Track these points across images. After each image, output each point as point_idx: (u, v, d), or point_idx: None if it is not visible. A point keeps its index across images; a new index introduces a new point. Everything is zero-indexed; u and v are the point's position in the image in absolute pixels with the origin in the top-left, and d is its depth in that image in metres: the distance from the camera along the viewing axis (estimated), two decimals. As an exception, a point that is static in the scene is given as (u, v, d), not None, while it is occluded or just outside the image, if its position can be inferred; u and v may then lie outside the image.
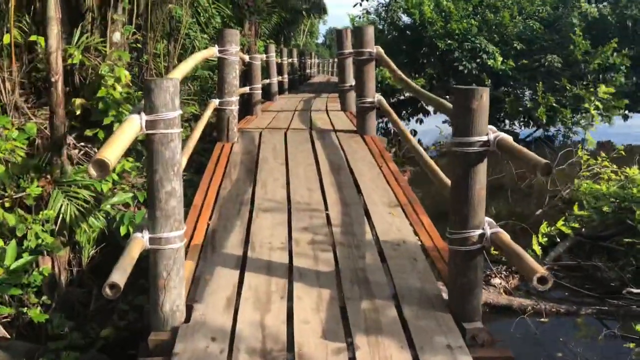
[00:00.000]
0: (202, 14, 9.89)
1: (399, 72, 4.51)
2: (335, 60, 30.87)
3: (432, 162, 3.70)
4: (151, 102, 2.26)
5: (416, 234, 3.28)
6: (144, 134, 2.29)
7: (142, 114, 2.27)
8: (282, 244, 3.06)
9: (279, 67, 11.85)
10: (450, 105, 3.01)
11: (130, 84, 4.82)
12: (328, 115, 7.19)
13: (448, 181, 3.27)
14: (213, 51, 4.79)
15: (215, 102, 4.95)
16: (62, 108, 3.55)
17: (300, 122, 6.56)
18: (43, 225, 3.38)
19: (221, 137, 5.07)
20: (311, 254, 2.95)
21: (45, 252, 3.28)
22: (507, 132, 11.75)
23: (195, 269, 2.80)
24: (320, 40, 62.17)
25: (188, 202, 3.84)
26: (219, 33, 4.91)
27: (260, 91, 7.60)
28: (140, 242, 2.32)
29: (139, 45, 5.88)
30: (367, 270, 2.81)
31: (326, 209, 3.57)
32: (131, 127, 2.18)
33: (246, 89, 7.47)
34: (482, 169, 2.37)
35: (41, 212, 3.30)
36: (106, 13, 4.89)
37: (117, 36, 5.03)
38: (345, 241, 3.11)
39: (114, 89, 4.57)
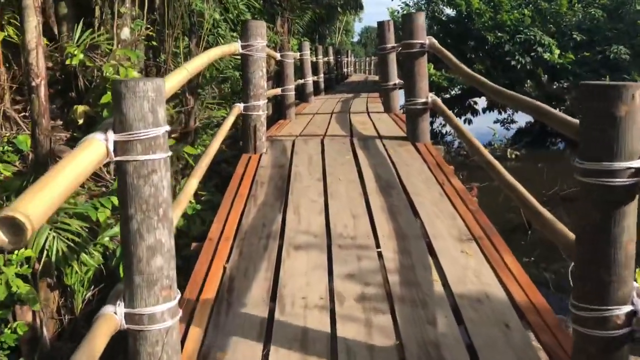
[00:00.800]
0: (230, 11, 9.21)
1: (465, 67, 3.63)
2: (373, 58, 29.91)
3: (514, 182, 2.83)
4: (122, 114, 1.50)
5: (501, 282, 2.42)
6: (113, 162, 1.53)
7: (110, 132, 1.50)
8: (321, 299, 2.26)
9: (314, 66, 11.08)
10: (555, 112, 2.14)
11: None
12: (370, 119, 6.34)
13: (539, 209, 2.42)
14: (235, 47, 4.03)
15: (239, 107, 4.20)
16: (47, 118, 2.86)
17: (339, 127, 5.75)
18: (21, 266, 2.68)
19: (247, 147, 4.31)
20: (361, 317, 2.13)
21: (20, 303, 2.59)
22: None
23: (203, 340, 2.03)
24: (356, 39, 61.29)
25: (204, 233, 3.13)
26: (242, 25, 4.13)
27: (294, 92, 6.82)
28: (111, 320, 1.57)
29: (153, 42, 5.19)
30: (440, 344, 1.97)
31: (377, 245, 2.74)
32: (87, 156, 1.41)
33: (277, 91, 6.72)
34: (632, 211, 1.51)
35: (16, 252, 2.60)
36: (115, 7, 4.21)
37: (125, 32, 4.35)
38: (407, 295, 2.28)
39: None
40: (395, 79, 6.97)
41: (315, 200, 3.32)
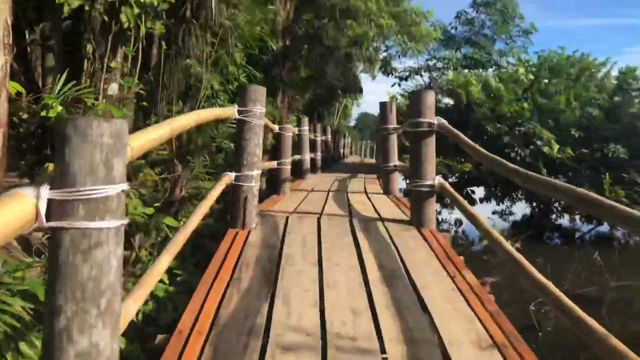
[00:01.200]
0: (230, 82, 9.14)
1: (484, 151, 3.30)
2: (369, 142, 30.24)
3: (543, 280, 2.41)
4: (64, 163, 1.09)
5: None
6: (45, 229, 1.09)
7: (44, 187, 1.09)
8: (313, 423, 1.74)
9: (312, 143, 10.91)
10: (612, 204, 1.76)
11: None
12: (369, 199, 5.98)
13: (578, 312, 1.98)
14: (232, 111, 3.72)
15: (230, 176, 3.82)
16: (1, 174, 2.45)
17: (337, 205, 5.36)
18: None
19: (235, 221, 3.88)
20: None
21: None
22: (564, 228, 10.21)
23: None
24: (353, 123, 62.74)
25: (176, 322, 2.62)
26: (240, 89, 3.85)
27: (290, 167, 6.50)
28: None
29: (144, 103, 4.91)
30: None
31: (382, 349, 2.25)
32: (3, 219, 0.98)
33: (273, 164, 6.40)
34: None
35: None
36: (105, 61, 3.95)
37: (113, 88, 4.07)
38: None
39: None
40: (395, 160, 6.71)
41: (308, 289, 2.85)
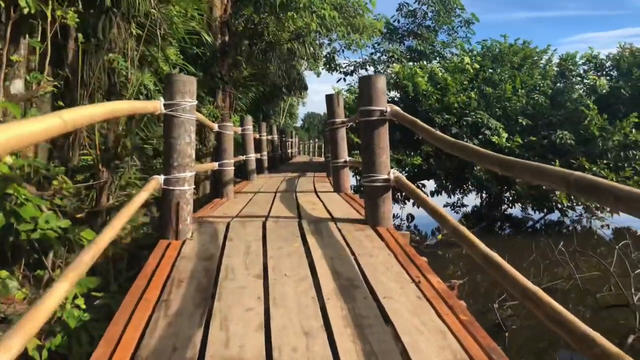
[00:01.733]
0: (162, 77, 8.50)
1: (444, 136, 2.94)
2: (317, 141, 29.87)
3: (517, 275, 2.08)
4: None
5: None
6: None
7: None
8: None
9: (258, 143, 10.42)
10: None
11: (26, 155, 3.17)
12: (320, 198, 5.57)
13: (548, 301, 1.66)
14: (155, 105, 3.20)
15: (158, 179, 3.29)
16: None
17: (285, 207, 4.91)
18: None
19: (166, 231, 3.36)
20: None
21: None
22: (515, 218, 10.14)
23: None
24: (299, 123, 62.32)
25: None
26: (165, 80, 3.34)
27: (232, 168, 6.00)
28: None
29: (60, 102, 4.28)
30: None
31: (342, 382, 1.83)
32: None
33: (214, 165, 5.88)
34: None
35: None
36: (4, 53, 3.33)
37: (17, 86, 3.46)
38: None
39: (-1, 159, 2.90)
40: (345, 156, 6.34)
41: (251, 308, 2.39)
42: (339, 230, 3.69)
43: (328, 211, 4.52)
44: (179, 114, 3.33)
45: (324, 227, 3.77)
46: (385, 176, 3.74)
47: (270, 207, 4.84)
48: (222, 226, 3.75)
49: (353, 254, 3.16)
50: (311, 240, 3.41)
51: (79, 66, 4.24)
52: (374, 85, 3.72)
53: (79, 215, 4.05)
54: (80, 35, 4.32)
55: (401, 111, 3.66)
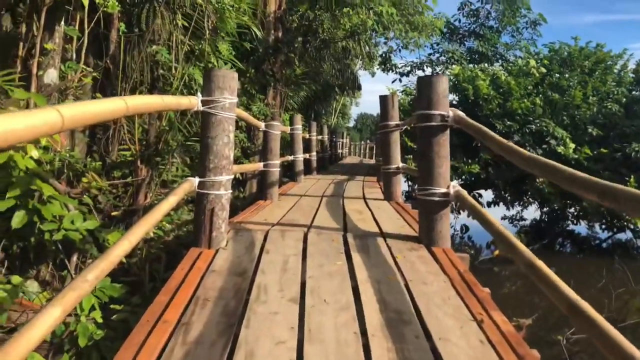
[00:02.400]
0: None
1: (517, 148, 2.49)
2: (368, 142, 29.33)
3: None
4: None
5: None
6: None
7: None
8: None
9: (307, 143, 10.13)
10: None
11: (57, 149, 2.96)
12: (368, 207, 5.18)
13: None
14: (192, 101, 2.91)
15: (192, 182, 3.01)
16: None
17: (330, 215, 4.55)
18: None
19: (198, 239, 3.08)
20: None
21: None
22: (583, 237, 9.30)
23: None
24: (352, 123, 61.84)
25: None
26: (204, 74, 3.04)
27: (278, 169, 5.71)
28: None
29: (98, 95, 4.10)
30: None
31: None
32: None
33: (258, 166, 5.60)
34: None
35: None
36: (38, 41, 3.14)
37: (51, 75, 3.26)
38: None
39: (25, 152, 2.69)
40: (397, 162, 5.92)
41: (282, 342, 2.05)
42: (389, 248, 3.29)
43: (377, 223, 4.12)
44: (217, 111, 3.03)
45: (371, 244, 3.38)
46: (444, 190, 3.31)
47: (315, 215, 4.49)
48: (260, 235, 3.44)
49: (404, 278, 2.76)
50: (356, 258, 3.04)
51: (121, 58, 4.04)
52: (435, 87, 3.30)
53: (114, 213, 3.85)
54: (122, 25, 4.12)
55: (465, 117, 3.22)
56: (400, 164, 5.92)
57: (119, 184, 4.00)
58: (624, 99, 10.70)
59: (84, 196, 3.35)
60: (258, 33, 7.88)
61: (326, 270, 2.82)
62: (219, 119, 3.05)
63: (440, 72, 14.28)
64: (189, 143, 5.10)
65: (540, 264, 2.26)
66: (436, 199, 3.31)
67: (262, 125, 5.57)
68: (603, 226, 10.18)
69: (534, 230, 11.83)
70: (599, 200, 1.59)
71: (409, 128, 9.49)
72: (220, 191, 3.07)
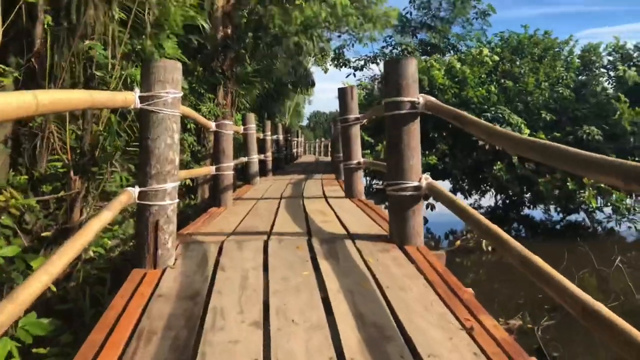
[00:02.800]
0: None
1: (501, 129, 2.22)
2: (323, 140, 29.11)
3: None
4: None
5: None
6: None
7: None
8: None
9: (262, 143, 9.74)
10: None
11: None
12: (330, 206, 4.87)
13: None
14: (128, 97, 2.50)
15: (130, 193, 2.60)
16: None
17: (291, 218, 4.21)
18: None
19: (141, 258, 2.67)
20: None
21: None
22: (537, 221, 9.27)
23: None
24: (305, 122, 61.50)
25: None
26: (142, 65, 2.63)
27: (232, 172, 5.31)
28: None
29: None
30: None
31: None
32: None
33: (209, 169, 5.19)
34: None
35: None
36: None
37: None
38: None
39: None
40: (359, 157, 5.64)
41: (245, 379, 1.70)
42: (359, 251, 2.98)
43: (342, 224, 3.81)
44: (158, 108, 2.63)
45: (339, 247, 3.06)
46: (416, 183, 3.03)
47: (274, 219, 4.13)
48: (214, 248, 3.05)
49: (379, 285, 2.45)
50: (324, 266, 2.71)
51: (48, 55, 3.56)
52: (403, 71, 3.01)
53: (45, 234, 3.37)
54: (48, 18, 3.63)
55: (438, 102, 2.95)
56: (362, 159, 5.64)
57: (50, 199, 3.52)
58: (572, 84, 10.85)
59: (2, 217, 2.88)
60: (206, 26, 7.42)
61: (292, 283, 2.47)
62: (160, 117, 2.65)
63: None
64: (131, 149, 4.63)
65: (535, 258, 2.01)
66: (408, 193, 3.02)
67: (212, 125, 5.17)
68: (558, 209, 10.27)
69: (490, 217, 11.83)
70: (623, 185, 1.31)
71: (365, 123, 9.27)
72: (165, 201, 2.67)
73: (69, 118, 3.86)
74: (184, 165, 8.61)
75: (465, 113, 2.62)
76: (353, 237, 3.31)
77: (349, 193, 5.67)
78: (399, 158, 3.02)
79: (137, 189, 2.64)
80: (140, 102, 2.61)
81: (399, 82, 2.99)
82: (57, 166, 3.71)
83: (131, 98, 2.55)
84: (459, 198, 2.85)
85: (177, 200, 2.77)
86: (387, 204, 3.33)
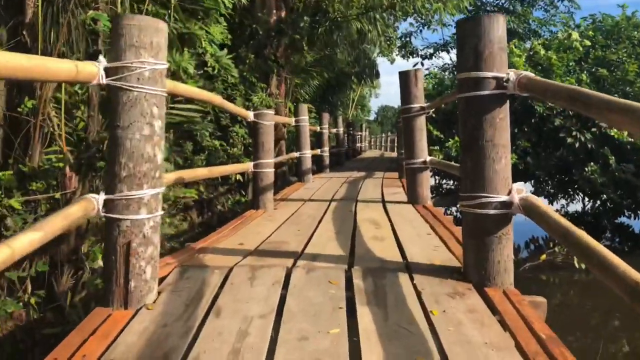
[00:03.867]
0: (210, 63, 7.23)
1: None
2: (389, 134, 27.82)
3: None
4: None
5: None
6: None
7: None
8: None
9: (319, 137, 8.94)
10: None
11: None
12: (387, 215, 3.97)
13: None
14: (87, 70, 1.74)
15: (92, 202, 1.84)
16: None
17: (335, 230, 3.35)
18: None
19: (107, 293, 1.91)
20: None
21: None
22: (626, 227, 7.75)
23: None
24: (372, 117, 60.15)
25: None
26: (112, 24, 1.85)
27: (272, 170, 4.53)
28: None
29: None
30: None
31: None
32: None
33: (246, 166, 4.44)
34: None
35: None
36: None
37: None
38: None
39: None
40: (424, 155, 4.70)
41: None
42: (417, 293, 2.07)
43: (399, 244, 2.89)
44: (130, 84, 1.86)
45: (389, 285, 2.16)
46: (504, 197, 2.08)
47: (313, 232, 3.29)
48: (217, 276, 2.25)
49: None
50: (364, 319, 1.82)
51: (39, 29, 2.94)
52: (487, 34, 2.06)
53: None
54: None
55: (540, 78, 1.98)
56: (428, 158, 4.69)
57: (40, 199, 2.89)
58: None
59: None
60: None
61: (310, 349, 1.62)
62: (134, 96, 1.88)
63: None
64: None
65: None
66: (492, 212, 2.08)
67: (250, 115, 4.40)
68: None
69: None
70: None
71: (433, 114, 8.23)
72: (140, 214, 1.89)
73: (70, 103, 3.22)
74: (235, 160, 7.97)
75: (589, 91, 1.65)
76: (411, 267, 2.40)
77: (412, 198, 4.73)
78: (479, 160, 2.09)
79: (102, 196, 1.88)
80: (107, 76, 1.84)
81: (478, 50, 2.05)
82: (52, 159, 3.09)
83: (91, 70, 1.79)
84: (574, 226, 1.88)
85: (160, 213, 1.99)
86: (459, 208, 2.40)
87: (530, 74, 2.02)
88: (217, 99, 3.21)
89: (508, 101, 2.12)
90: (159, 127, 1.96)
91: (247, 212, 4.30)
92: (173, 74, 6.53)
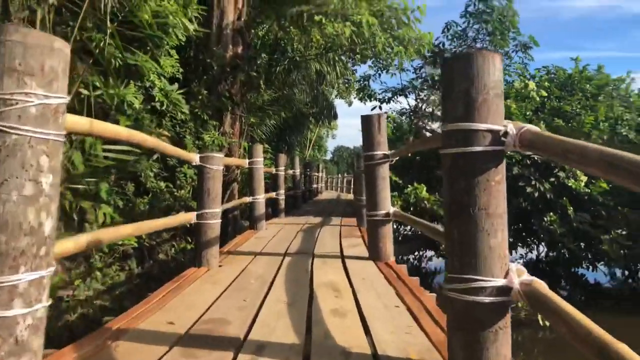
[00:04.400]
0: (157, 97, 6.71)
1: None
2: (346, 175, 27.66)
3: None
4: None
5: None
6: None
7: None
8: None
9: (274, 179, 8.47)
10: None
11: None
12: (348, 277, 3.49)
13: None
14: None
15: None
16: None
17: (287, 302, 2.82)
18: None
19: None
20: None
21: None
22: (601, 289, 7.70)
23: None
24: (328, 157, 60.32)
25: None
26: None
27: (218, 221, 4.00)
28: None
29: None
30: None
31: None
32: None
33: (189, 216, 3.88)
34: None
35: None
36: None
37: None
38: None
39: None
40: (387, 206, 4.29)
41: None
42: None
43: (364, 322, 2.40)
44: (4, 124, 1.34)
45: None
46: (502, 281, 1.65)
47: (261, 304, 2.75)
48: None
49: None
50: None
51: None
52: (481, 75, 1.67)
53: None
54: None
55: (542, 132, 1.60)
56: (392, 209, 4.28)
57: None
58: (635, 125, 9.39)
59: None
60: (190, 28, 6.22)
61: None
62: (12, 142, 1.36)
63: (424, 99, 12.82)
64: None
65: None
66: (487, 299, 1.64)
67: (195, 158, 3.88)
68: (625, 272, 8.65)
69: (532, 272, 10.20)
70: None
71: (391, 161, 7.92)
72: (12, 309, 1.34)
73: None
74: (182, 204, 7.37)
75: (627, 154, 1.26)
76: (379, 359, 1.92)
77: (374, 254, 4.29)
78: (469, 232, 1.66)
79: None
80: (-25, 108, 1.32)
81: (470, 96, 1.65)
82: None
83: None
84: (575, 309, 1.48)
85: (45, 304, 1.44)
86: (443, 292, 1.96)
87: (534, 127, 1.63)
88: (151, 140, 2.70)
89: (504, 158, 1.72)
90: (48, 185, 1.43)
91: (187, 271, 3.72)
92: (116, 108, 5.95)
